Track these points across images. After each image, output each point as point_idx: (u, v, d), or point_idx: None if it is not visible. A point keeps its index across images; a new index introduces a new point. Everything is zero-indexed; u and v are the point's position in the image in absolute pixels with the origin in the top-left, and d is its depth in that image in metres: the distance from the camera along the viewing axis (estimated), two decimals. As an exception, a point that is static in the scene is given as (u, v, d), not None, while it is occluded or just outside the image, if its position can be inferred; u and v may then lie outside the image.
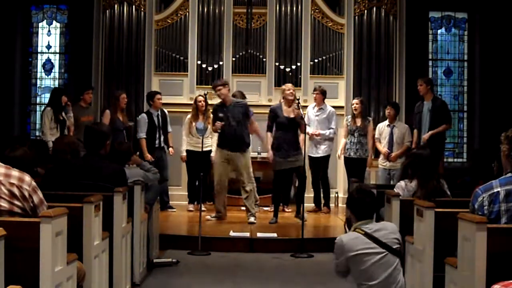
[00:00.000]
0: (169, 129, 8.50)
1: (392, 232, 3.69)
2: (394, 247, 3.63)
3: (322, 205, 8.47)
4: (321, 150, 8.24)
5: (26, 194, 3.01)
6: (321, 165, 8.29)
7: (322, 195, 8.45)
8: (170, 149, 8.47)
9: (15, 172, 3.01)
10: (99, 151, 4.53)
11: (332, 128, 8.25)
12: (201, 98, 8.25)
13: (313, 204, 8.45)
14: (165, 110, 8.54)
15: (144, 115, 8.38)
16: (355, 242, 3.63)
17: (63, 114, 7.97)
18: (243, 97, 8.15)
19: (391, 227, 3.75)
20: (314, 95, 8.33)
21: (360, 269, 3.61)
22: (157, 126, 8.31)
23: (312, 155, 8.26)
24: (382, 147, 8.14)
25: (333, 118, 8.28)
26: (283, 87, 7.74)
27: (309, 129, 7.99)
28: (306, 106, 8.50)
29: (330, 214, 8.40)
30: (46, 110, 7.93)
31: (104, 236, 3.99)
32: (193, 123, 8.30)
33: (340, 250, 3.67)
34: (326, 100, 8.34)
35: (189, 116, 8.44)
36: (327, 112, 8.26)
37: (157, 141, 8.29)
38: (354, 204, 3.82)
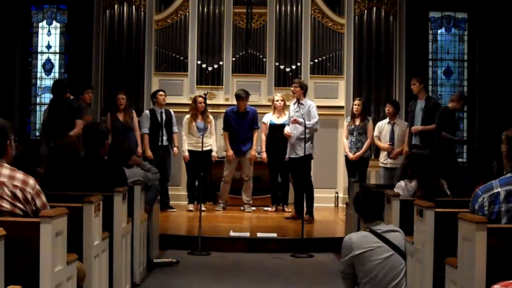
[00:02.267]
0: (175, 129, 8.51)
1: (400, 236, 3.72)
2: (401, 249, 3.65)
3: (304, 212, 7.26)
4: (300, 151, 7.44)
5: (29, 197, 3.00)
6: (301, 166, 7.47)
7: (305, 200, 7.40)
8: (175, 149, 8.46)
9: (19, 175, 2.99)
10: (98, 151, 4.54)
11: (314, 119, 7.55)
12: (201, 99, 8.27)
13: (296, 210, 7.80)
14: (171, 111, 8.57)
15: (147, 111, 8.56)
16: (364, 240, 3.65)
17: None
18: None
19: (399, 231, 3.77)
20: (292, 89, 7.73)
21: (366, 268, 3.61)
22: (160, 123, 8.34)
23: (292, 156, 7.66)
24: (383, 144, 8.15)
25: (313, 110, 7.64)
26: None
27: (287, 128, 7.73)
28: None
29: (314, 223, 7.65)
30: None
31: (104, 236, 3.99)
32: (193, 123, 8.33)
33: (348, 247, 3.68)
34: (326, 100, 8.32)
35: (188, 116, 8.45)
36: (307, 107, 7.62)
37: (160, 139, 8.31)
38: (361, 207, 3.83)
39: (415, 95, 7.88)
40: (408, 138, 7.82)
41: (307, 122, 7.26)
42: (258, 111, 8.65)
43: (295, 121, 7.53)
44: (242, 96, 8.32)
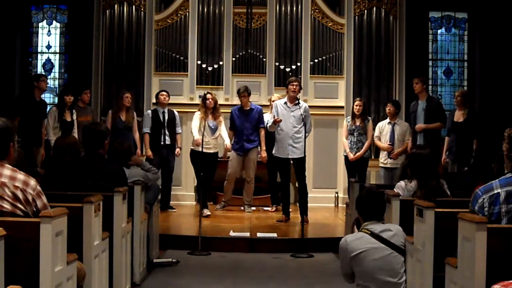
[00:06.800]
0: (179, 130, 8.41)
1: (397, 234, 3.72)
2: (400, 246, 3.65)
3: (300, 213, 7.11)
4: (295, 152, 7.26)
5: (30, 198, 2.99)
6: (296, 168, 7.40)
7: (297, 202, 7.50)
8: (177, 149, 8.35)
9: (20, 176, 2.99)
10: (98, 151, 4.54)
11: (307, 129, 7.28)
12: (209, 96, 7.84)
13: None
14: (175, 111, 8.49)
15: (149, 111, 8.52)
16: (359, 241, 3.65)
17: (72, 115, 7.92)
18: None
19: (396, 229, 3.78)
20: (294, 87, 7.32)
21: (363, 269, 3.61)
22: (162, 123, 8.26)
23: (284, 157, 7.43)
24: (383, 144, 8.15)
25: (309, 115, 7.48)
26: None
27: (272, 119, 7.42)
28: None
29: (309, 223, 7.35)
30: (52, 110, 7.98)
31: (104, 236, 3.98)
32: (205, 122, 7.58)
33: (344, 250, 3.69)
34: (326, 100, 8.32)
35: (199, 112, 7.96)
36: (303, 108, 7.33)
37: (162, 138, 8.24)
38: (362, 205, 3.84)
39: (415, 95, 7.88)
40: (412, 138, 7.83)
41: (307, 134, 7.26)
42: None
43: (277, 121, 7.31)
44: (240, 91, 8.20)
